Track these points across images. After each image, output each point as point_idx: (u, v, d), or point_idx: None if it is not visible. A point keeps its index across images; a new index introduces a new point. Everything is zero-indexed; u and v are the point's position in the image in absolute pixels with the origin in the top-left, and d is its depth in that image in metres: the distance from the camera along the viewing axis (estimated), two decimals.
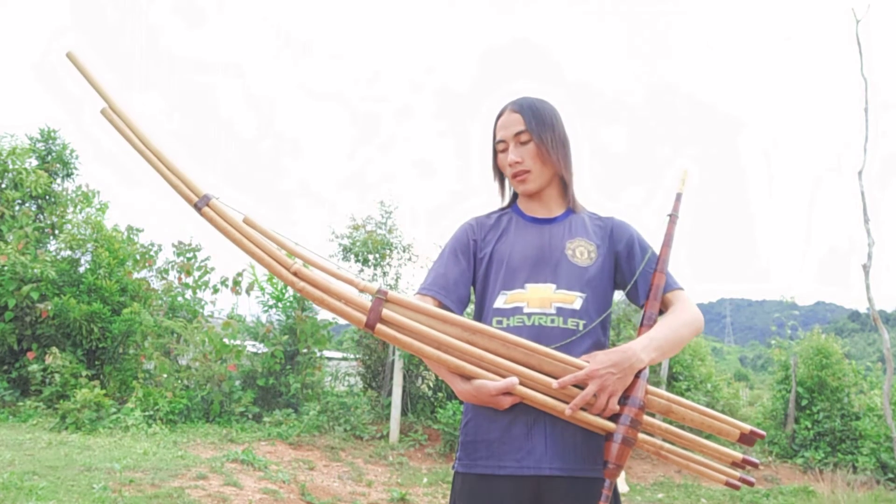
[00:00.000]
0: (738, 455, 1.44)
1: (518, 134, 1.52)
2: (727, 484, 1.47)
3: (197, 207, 1.31)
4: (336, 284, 1.33)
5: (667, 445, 1.43)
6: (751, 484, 1.47)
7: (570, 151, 1.58)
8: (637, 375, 1.34)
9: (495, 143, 1.58)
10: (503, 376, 1.31)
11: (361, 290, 1.36)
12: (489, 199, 1.68)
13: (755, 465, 1.45)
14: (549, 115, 1.55)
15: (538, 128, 1.52)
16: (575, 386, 1.32)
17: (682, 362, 8.71)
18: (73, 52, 1.30)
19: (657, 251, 1.54)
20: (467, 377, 1.34)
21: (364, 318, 1.30)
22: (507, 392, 1.30)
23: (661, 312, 1.49)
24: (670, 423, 1.47)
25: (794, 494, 6.37)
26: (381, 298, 1.31)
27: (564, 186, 1.59)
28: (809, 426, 7.88)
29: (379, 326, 1.30)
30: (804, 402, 8.07)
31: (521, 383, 1.31)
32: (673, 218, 1.55)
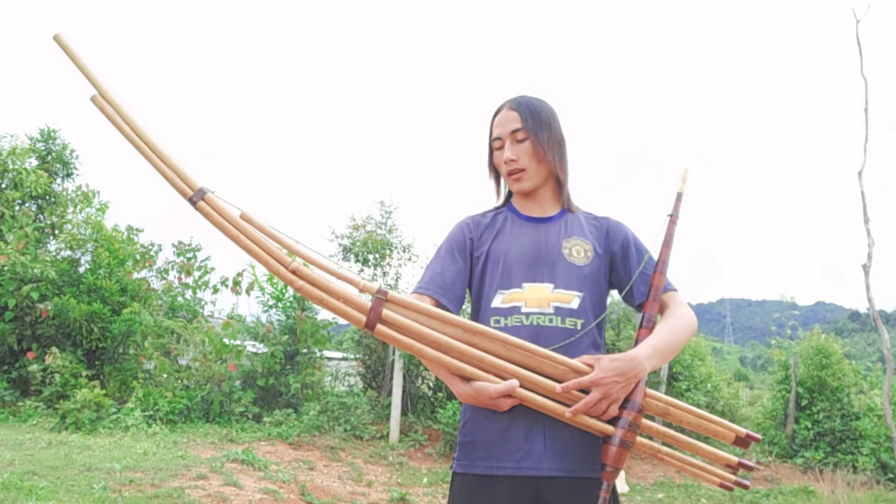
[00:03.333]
0: (734, 458, 1.44)
1: (514, 132, 1.51)
2: (722, 486, 1.47)
3: (192, 202, 1.27)
4: (336, 284, 1.31)
5: (664, 448, 1.43)
6: (746, 487, 1.48)
7: (566, 151, 1.57)
8: None
9: (491, 140, 1.57)
10: (503, 378, 1.31)
11: (361, 290, 1.35)
12: (485, 196, 1.67)
13: (750, 469, 1.45)
14: (547, 114, 1.54)
15: (535, 126, 1.51)
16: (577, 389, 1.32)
17: (682, 362, 8.70)
18: (60, 35, 1.24)
19: (655, 252, 1.53)
20: (467, 379, 1.33)
21: (364, 319, 1.29)
22: (507, 394, 1.30)
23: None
24: (668, 425, 1.47)
25: (794, 494, 6.36)
26: (381, 298, 1.30)
27: (559, 186, 1.59)
28: (809, 426, 7.87)
29: (379, 327, 1.29)
30: (804, 402, 8.06)
31: (521, 385, 1.30)
32: (673, 218, 1.54)
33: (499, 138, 1.54)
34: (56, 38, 1.24)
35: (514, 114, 1.52)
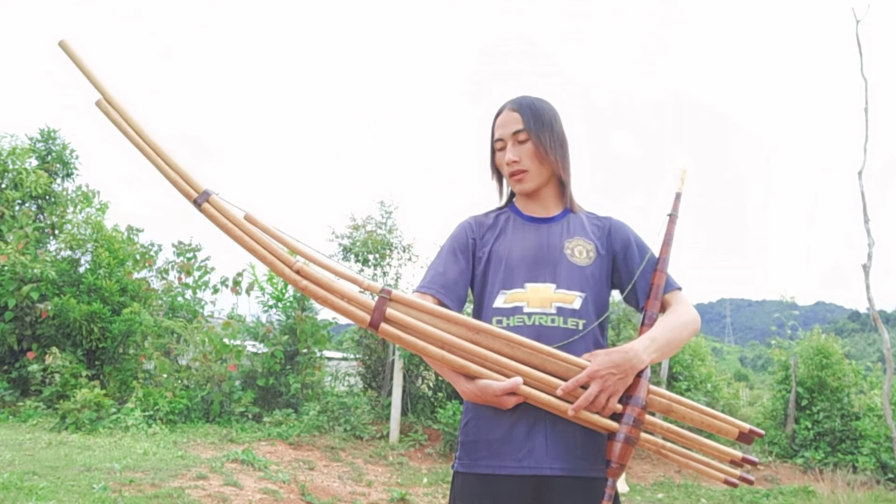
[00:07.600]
0: (738, 454, 1.45)
1: (516, 133, 1.52)
2: (726, 482, 1.47)
3: (196, 204, 1.27)
4: (340, 283, 1.31)
5: (668, 444, 1.43)
6: (750, 482, 1.48)
7: (569, 152, 1.57)
8: (639, 375, 1.34)
9: (493, 141, 1.58)
10: (507, 376, 1.31)
11: (365, 289, 1.35)
12: (486, 196, 1.67)
13: (753, 464, 1.46)
14: (548, 115, 1.54)
15: (536, 127, 1.51)
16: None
17: (682, 362, 8.71)
18: (65, 41, 1.25)
19: (656, 252, 1.53)
20: (471, 377, 1.33)
21: (368, 318, 1.29)
22: (512, 392, 1.30)
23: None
24: (671, 422, 1.47)
25: (794, 494, 6.37)
26: (385, 298, 1.30)
27: (562, 186, 1.59)
28: (809, 426, 7.87)
29: (383, 326, 1.29)
30: (804, 402, 8.07)
31: (525, 383, 1.30)
32: (672, 217, 1.55)
33: (500, 139, 1.55)
34: (61, 45, 1.25)
35: (515, 115, 1.53)
